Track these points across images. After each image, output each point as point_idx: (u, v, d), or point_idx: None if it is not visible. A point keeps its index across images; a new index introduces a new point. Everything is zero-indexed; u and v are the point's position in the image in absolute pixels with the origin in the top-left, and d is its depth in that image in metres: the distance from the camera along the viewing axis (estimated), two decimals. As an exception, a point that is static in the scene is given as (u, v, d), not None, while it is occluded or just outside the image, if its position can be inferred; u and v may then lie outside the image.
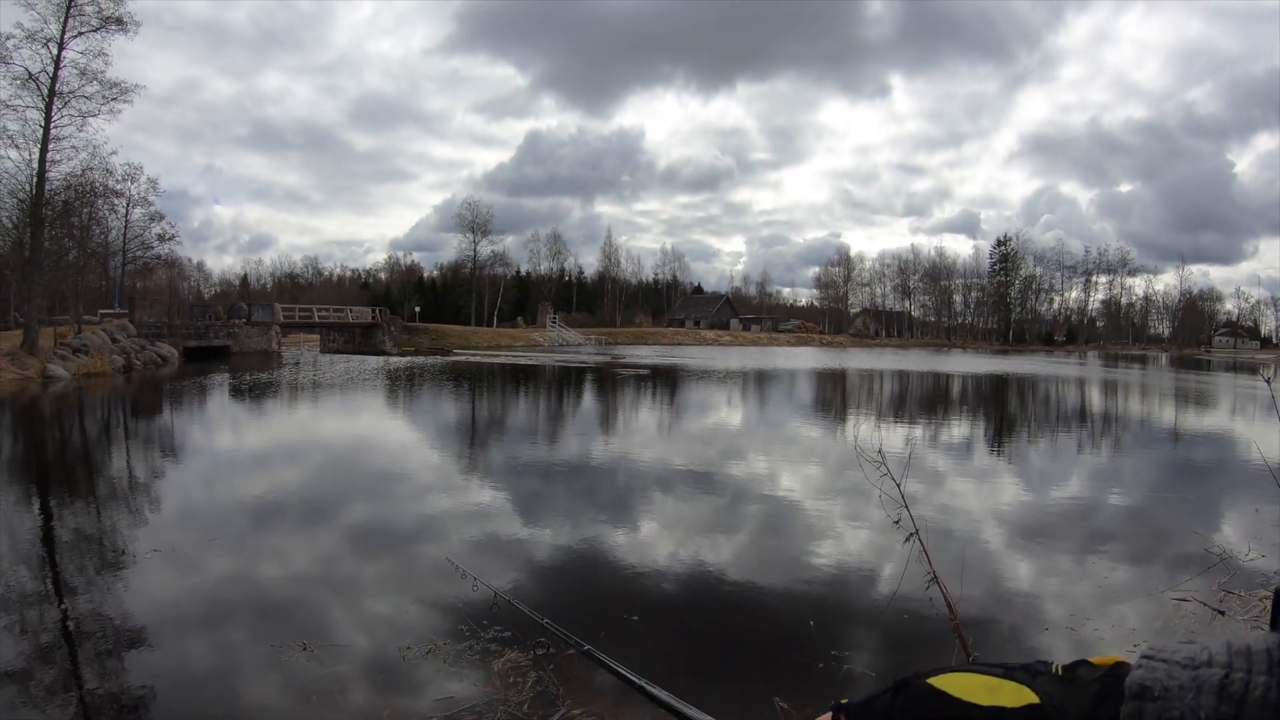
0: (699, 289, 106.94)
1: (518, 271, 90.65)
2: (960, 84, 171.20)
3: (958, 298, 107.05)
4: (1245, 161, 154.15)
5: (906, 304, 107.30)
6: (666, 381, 29.03)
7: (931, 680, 0.44)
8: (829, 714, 0.51)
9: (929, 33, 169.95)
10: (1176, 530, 7.79)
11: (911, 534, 4.01)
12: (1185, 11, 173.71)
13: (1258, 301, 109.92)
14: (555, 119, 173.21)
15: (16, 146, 27.65)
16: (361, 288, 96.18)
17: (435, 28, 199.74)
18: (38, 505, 8.83)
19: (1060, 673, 0.43)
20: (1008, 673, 0.43)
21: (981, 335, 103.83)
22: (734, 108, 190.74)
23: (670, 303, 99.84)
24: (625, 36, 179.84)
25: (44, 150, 27.82)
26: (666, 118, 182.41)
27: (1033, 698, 0.41)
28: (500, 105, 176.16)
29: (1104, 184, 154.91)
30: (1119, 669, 0.42)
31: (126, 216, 46.15)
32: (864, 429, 14.80)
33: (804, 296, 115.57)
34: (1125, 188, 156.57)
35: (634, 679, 0.85)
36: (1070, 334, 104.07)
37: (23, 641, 4.81)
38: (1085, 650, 4.75)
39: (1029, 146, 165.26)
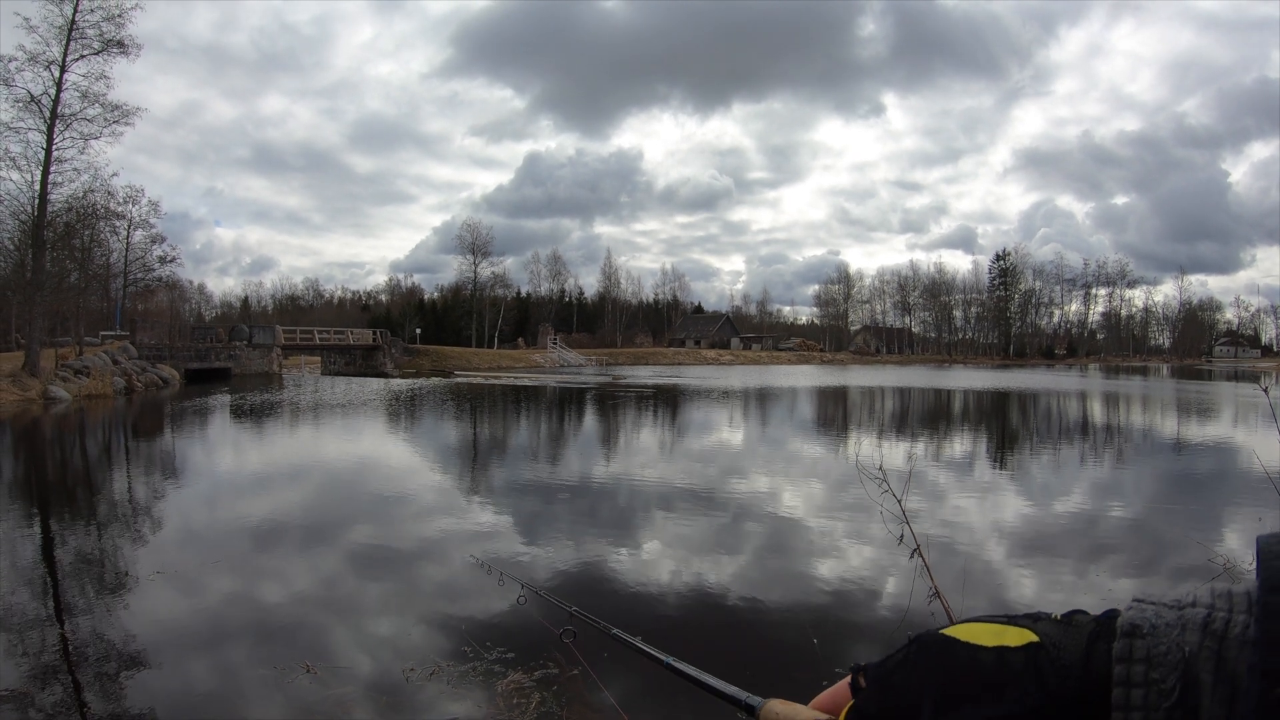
0: (699, 308, 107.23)
1: (518, 293, 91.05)
2: (955, 100, 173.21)
3: (958, 313, 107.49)
4: (1240, 171, 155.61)
5: (907, 320, 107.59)
6: (668, 401, 29.03)
7: (943, 631, 0.48)
8: (848, 676, 0.53)
9: (921, 51, 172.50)
10: (1179, 541, 7.77)
11: (914, 550, 4.02)
12: (1177, 23, 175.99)
13: (1257, 310, 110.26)
14: (554, 140, 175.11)
15: (19, 168, 27.97)
16: (362, 309, 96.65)
17: (434, 51, 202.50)
18: (39, 527, 8.82)
19: (1059, 618, 0.47)
20: (1012, 620, 0.47)
21: (982, 350, 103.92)
22: (730, 127, 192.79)
23: (671, 322, 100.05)
24: (621, 58, 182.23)
25: (46, 172, 28.06)
26: (664, 138, 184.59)
27: (1033, 637, 0.45)
28: (499, 127, 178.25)
29: (1100, 196, 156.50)
30: (1112, 613, 0.46)
31: (128, 238, 46.47)
32: (865, 446, 14.80)
33: (804, 314, 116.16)
34: (1121, 200, 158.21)
35: (663, 658, 0.89)
36: (1071, 347, 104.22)
37: (25, 663, 4.79)
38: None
39: (1025, 161, 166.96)
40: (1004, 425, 21.78)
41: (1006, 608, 5.30)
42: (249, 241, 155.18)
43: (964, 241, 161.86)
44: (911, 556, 4.09)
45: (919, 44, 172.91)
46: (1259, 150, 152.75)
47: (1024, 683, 0.43)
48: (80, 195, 30.38)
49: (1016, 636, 0.45)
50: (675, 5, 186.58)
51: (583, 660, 3.16)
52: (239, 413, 23.40)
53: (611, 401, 28.33)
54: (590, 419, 22.98)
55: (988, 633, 0.46)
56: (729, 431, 19.50)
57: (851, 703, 0.51)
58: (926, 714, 0.44)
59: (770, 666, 4.87)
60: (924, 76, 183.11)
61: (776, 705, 0.64)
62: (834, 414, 25.48)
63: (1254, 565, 0.40)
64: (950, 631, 0.48)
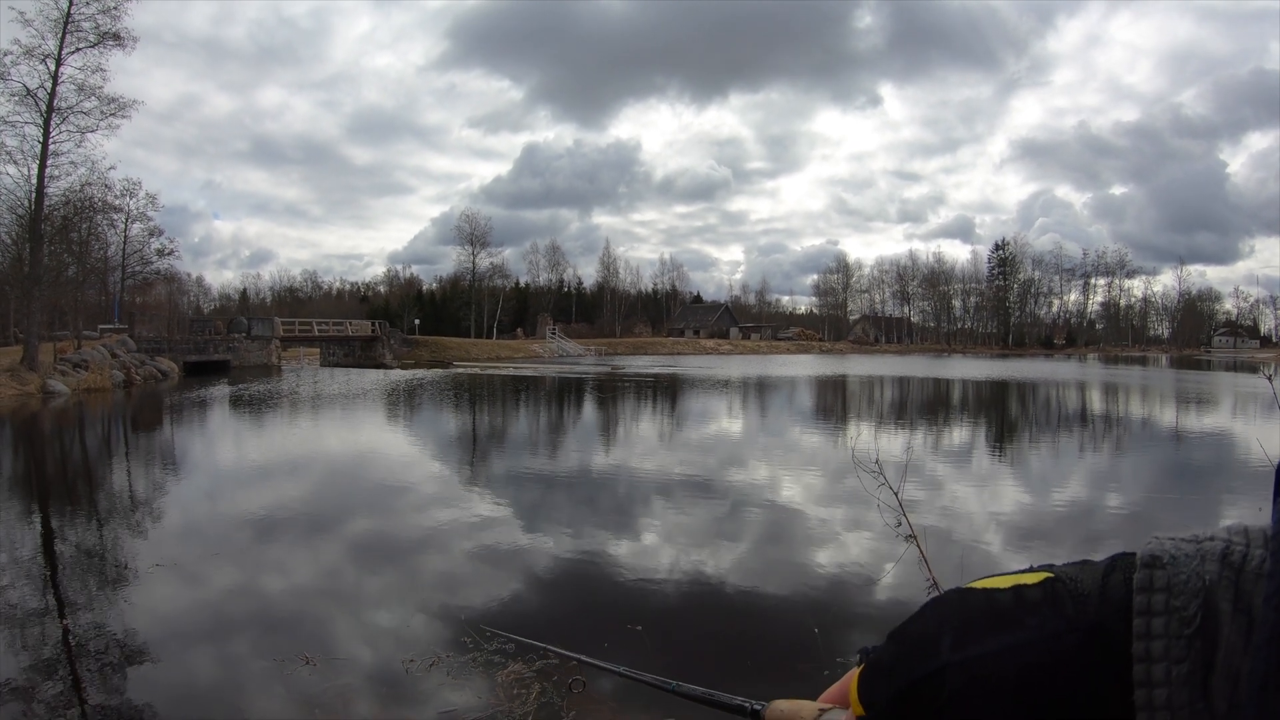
0: (698, 298, 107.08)
1: (517, 283, 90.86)
2: (953, 91, 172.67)
3: (957, 303, 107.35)
4: (1238, 162, 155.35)
5: (906, 310, 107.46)
6: (668, 391, 29.05)
7: (957, 587, 0.49)
8: (853, 670, 0.52)
9: (918, 43, 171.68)
10: (1180, 529, 7.77)
11: (909, 536, 4.03)
12: (1175, 14, 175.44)
13: (1256, 300, 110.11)
14: (551, 131, 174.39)
15: (15, 162, 27.77)
16: (360, 301, 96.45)
17: (432, 43, 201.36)
18: (39, 521, 8.83)
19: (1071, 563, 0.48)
20: (1029, 569, 0.48)
21: (981, 340, 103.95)
22: (728, 118, 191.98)
23: (670, 312, 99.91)
24: (617, 49, 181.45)
25: (42, 166, 27.90)
26: (661, 128, 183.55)
27: (1049, 575, 0.46)
28: (497, 119, 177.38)
29: (1098, 187, 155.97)
30: (1124, 553, 0.46)
31: (126, 232, 46.34)
32: (863, 436, 14.81)
33: (803, 304, 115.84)
34: (1119, 190, 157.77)
35: (669, 683, 0.88)
36: (1070, 337, 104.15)
37: (25, 657, 4.81)
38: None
39: (1023, 151, 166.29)
40: (1002, 415, 21.81)
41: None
42: (247, 234, 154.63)
43: (962, 231, 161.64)
44: (907, 539, 4.09)
45: (916, 35, 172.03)
46: (1257, 141, 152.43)
47: (1043, 611, 0.43)
48: (77, 189, 30.23)
49: (1032, 577, 0.46)
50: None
51: (581, 653, 3.16)
52: (238, 405, 23.40)
53: (611, 391, 28.35)
54: (590, 409, 22.99)
55: (1003, 580, 0.47)
56: (727, 421, 19.52)
57: (863, 665, 0.50)
58: (945, 649, 0.44)
59: (771, 656, 4.88)
60: (921, 68, 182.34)
61: (780, 704, 0.64)
62: (832, 403, 25.50)
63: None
64: (965, 585, 0.48)
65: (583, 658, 1.13)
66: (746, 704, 0.70)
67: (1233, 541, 0.41)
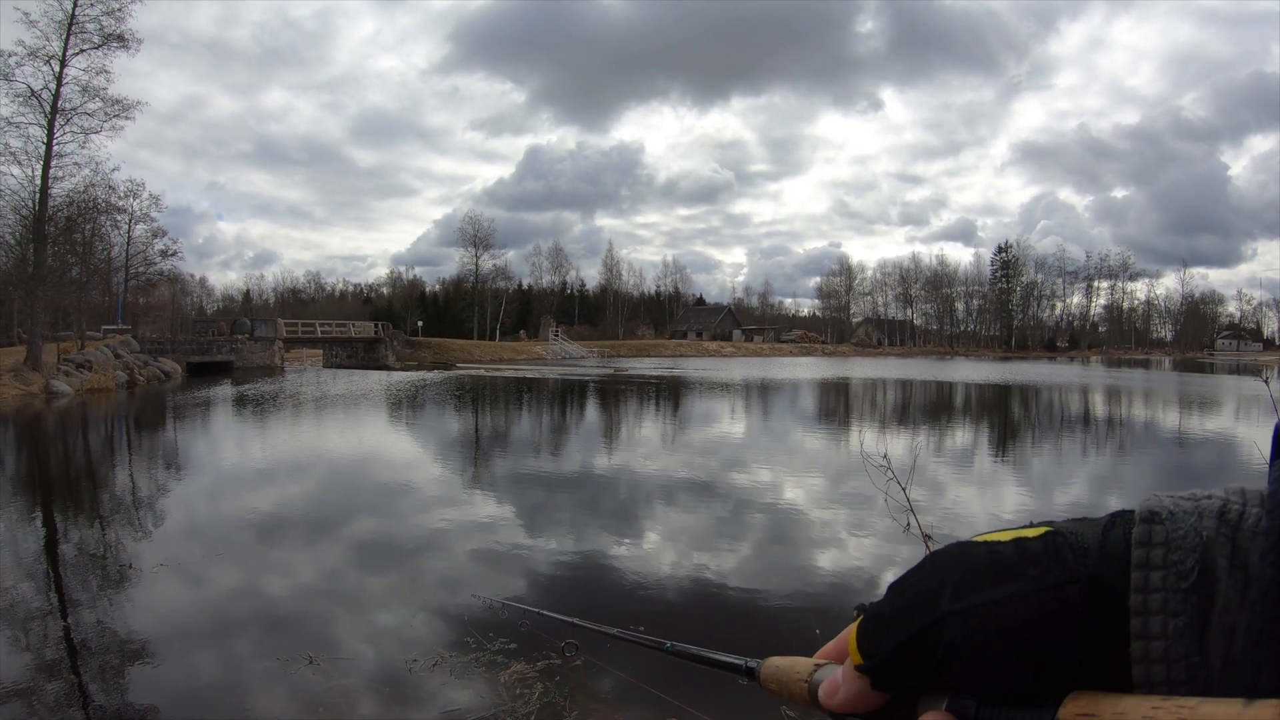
0: (701, 300, 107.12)
1: (520, 285, 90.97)
2: (955, 94, 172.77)
3: (960, 305, 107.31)
4: (1240, 165, 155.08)
5: (908, 312, 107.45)
6: (671, 393, 29.04)
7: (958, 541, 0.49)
8: (851, 625, 0.52)
9: (919, 46, 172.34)
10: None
11: (926, 537, 4.01)
12: (1177, 17, 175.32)
13: (1260, 303, 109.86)
14: (554, 134, 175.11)
15: (19, 163, 27.89)
16: (364, 302, 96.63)
17: (435, 46, 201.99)
18: (42, 520, 8.84)
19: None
20: (1030, 524, 0.47)
21: (984, 342, 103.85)
22: (731, 120, 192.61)
23: (672, 314, 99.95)
24: (619, 52, 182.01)
25: (46, 167, 28.00)
26: (664, 131, 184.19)
27: (1049, 528, 0.46)
28: (499, 121, 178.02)
29: (1099, 190, 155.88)
30: (1123, 510, 0.46)
31: (129, 233, 46.53)
32: (869, 437, 14.79)
33: (806, 306, 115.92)
34: (1121, 193, 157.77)
35: (663, 643, 0.86)
36: (1073, 339, 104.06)
37: (29, 656, 4.81)
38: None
39: (1025, 154, 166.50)
40: (1006, 418, 21.77)
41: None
42: (251, 235, 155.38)
43: (964, 234, 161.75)
44: (906, 528, 4.08)
45: (917, 39, 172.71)
46: (1259, 144, 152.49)
47: (1044, 561, 0.43)
48: (81, 189, 30.32)
49: (1033, 531, 0.46)
50: (673, 0, 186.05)
51: (585, 651, 3.16)
52: (241, 406, 23.42)
53: (614, 393, 28.33)
54: (593, 411, 22.98)
55: (1004, 535, 0.47)
56: (731, 423, 19.50)
57: (861, 617, 0.50)
58: (946, 599, 0.45)
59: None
60: (922, 71, 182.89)
61: (776, 660, 0.63)
62: (836, 406, 25.47)
63: (1268, 462, 0.40)
64: (967, 539, 0.48)
65: (576, 620, 1.13)
66: (741, 662, 0.68)
67: (1230, 500, 0.42)
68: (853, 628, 0.51)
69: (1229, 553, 0.40)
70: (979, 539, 0.47)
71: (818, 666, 0.57)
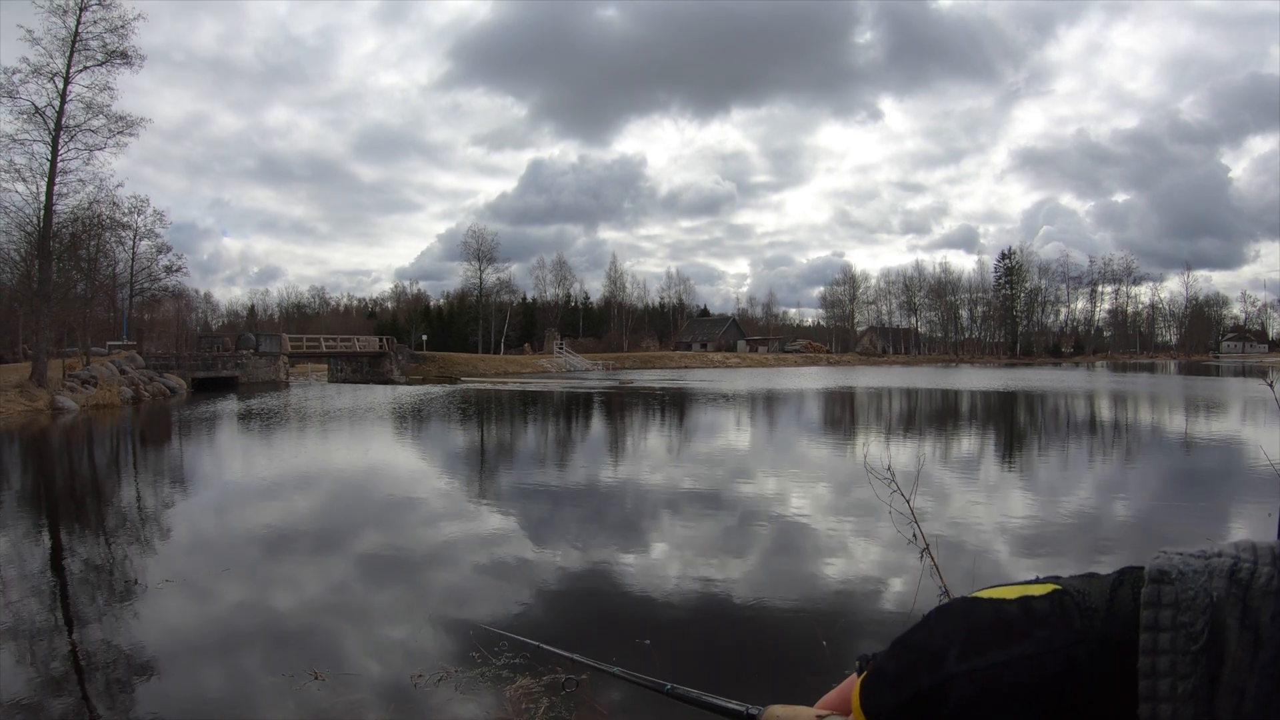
0: (705, 311, 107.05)
1: (524, 298, 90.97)
2: (954, 102, 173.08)
3: (964, 313, 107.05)
4: (1240, 166, 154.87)
5: (913, 321, 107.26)
6: (676, 404, 29.00)
7: (963, 596, 0.49)
8: (852, 675, 0.53)
9: (917, 55, 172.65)
10: (1189, 538, 7.66)
11: (924, 549, 4.00)
12: (1175, 20, 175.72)
13: (1264, 304, 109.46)
14: (556, 148, 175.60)
15: (24, 180, 28.07)
16: (368, 317, 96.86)
17: (436, 62, 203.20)
18: (48, 536, 8.85)
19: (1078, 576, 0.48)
20: (1032, 581, 0.48)
21: (989, 349, 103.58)
22: (732, 132, 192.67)
23: (677, 326, 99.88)
24: (619, 65, 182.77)
25: (51, 183, 28.18)
26: (666, 144, 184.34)
27: (1057, 587, 0.46)
28: (501, 136, 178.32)
29: (1100, 194, 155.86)
30: (1131, 567, 0.46)
31: (134, 249, 46.60)
32: (873, 447, 14.75)
33: (810, 316, 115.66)
34: (1122, 197, 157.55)
35: (663, 684, 0.87)
36: (1078, 345, 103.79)
37: (35, 672, 4.81)
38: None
39: (1026, 160, 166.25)
40: (1012, 425, 21.69)
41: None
42: (256, 251, 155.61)
43: (966, 241, 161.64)
44: (921, 557, 4.07)
45: (914, 49, 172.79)
46: (1258, 145, 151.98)
47: (1051, 622, 0.43)
48: (85, 206, 30.50)
49: (1039, 589, 0.46)
50: (671, 14, 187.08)
51: (590, 664, 3.14)
52: (246, 421, 23.46)
53: (619, 406, 28.31)
54: (598, 423, 22.96)
55: (1010, 591, 0.46)
56: (737, 434, 19.47)
57: (865, 672, 0.50)
58: (952, 660, 0.44)
59: (778, 669, 4.84)
60: (921, 80, 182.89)
61: (777, 710, 0.62)
62: (841, 416, 25.42)
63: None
64: (971, 595, 0.48)
65: (577, 657, 1.13)
66: (743, 708, 0.69)
67: (1240, 558, 0.41)
68: (855, 680, 0.51)
69: (1240, 613, 0.40)
70: (984, 594, 0.47)
71: (819, 718, 0.57)
